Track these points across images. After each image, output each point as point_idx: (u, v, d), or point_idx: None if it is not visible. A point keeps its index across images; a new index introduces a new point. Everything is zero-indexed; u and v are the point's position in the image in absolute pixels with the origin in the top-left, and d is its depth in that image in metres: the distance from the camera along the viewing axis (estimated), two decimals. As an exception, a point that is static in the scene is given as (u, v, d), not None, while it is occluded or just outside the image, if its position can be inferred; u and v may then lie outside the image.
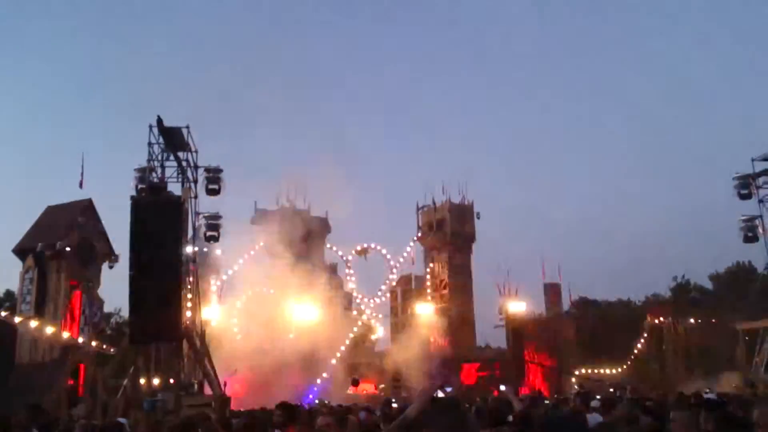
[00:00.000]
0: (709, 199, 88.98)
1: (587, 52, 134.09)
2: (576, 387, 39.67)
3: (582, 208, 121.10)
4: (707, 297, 52.51)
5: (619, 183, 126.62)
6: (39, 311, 33.00)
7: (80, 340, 32.93)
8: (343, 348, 39.71)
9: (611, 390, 30.29)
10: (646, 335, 45.27)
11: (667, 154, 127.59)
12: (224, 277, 39.22)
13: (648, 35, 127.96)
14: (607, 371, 43.57)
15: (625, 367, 43.77)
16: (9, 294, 44.03)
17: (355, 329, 41.93)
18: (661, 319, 45.40)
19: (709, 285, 55.78)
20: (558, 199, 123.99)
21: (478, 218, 47.06)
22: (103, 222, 34.94)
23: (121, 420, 9.03)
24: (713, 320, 42.91)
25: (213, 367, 25.51)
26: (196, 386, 25.69)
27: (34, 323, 32.89)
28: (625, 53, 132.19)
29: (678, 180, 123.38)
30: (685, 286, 56.11)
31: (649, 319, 46.20)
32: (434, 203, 47.30)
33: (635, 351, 44.66)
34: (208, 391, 24.94)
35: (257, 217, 41.72)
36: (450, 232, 46.22)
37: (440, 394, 3.17)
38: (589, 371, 43.28)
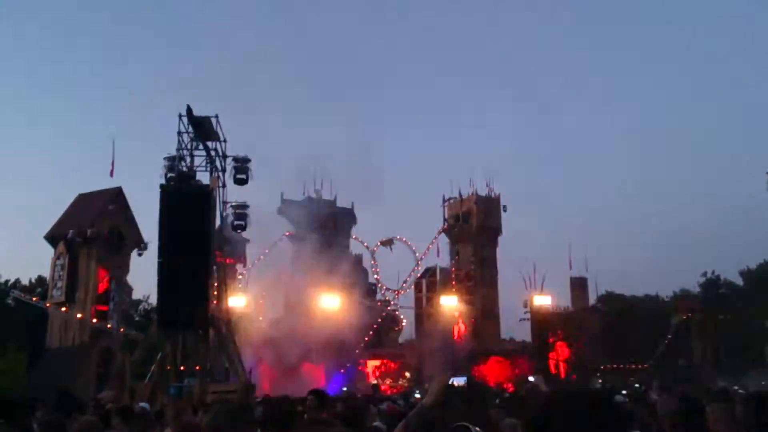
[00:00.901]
0: (741, 195, 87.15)
1: (617, 39, 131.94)
2: (600, 381, 39.35)
3: (610, 203, 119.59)
4: (737, 293, 51.52)
5: (650, 177, 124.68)
6: (69, 297, 33.64)
7: (109, 325, 33.51)
8: (367, 338, 39.86)
9: (636, 385, 29.97)
10: (673, 331, 44.64)
11: (699, 148, 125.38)
12: (250, 266, 39.57)
13: (680, 21, 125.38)
14: (633, 367, 43.08)
15: (651, 362, 43.22)
16: (41, 280, 44.90)
17: (380, 320, 42.03)
18: (690, 315, 44.72)
19: (739, 281, 54.71)
20: (586, 193, 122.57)
21: (505, 211, 46.76)
22: (132, 210, 35.49)
23: (143, 405, 9.14)
24: (743, 317, 42.13)
25: (238, 355, 25.76)
26: (222, 373, 25.95)
27: (64, 308, 33.59)
28: (656, 40, 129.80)
29: (710, 175, 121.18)
30: (714, 282, 55.11)
31: (677, 314, 45.53)
32: (460, 195, 47.08)
33: (662, 347, 44.08)
34: (233, 378, 25.18)
35: (283, 207, 41.94)
36: (476, 224, 45.97)
37: (455, 383, 3.12)
38: (614, 366, 42.85)
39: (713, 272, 55.66)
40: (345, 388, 28.13)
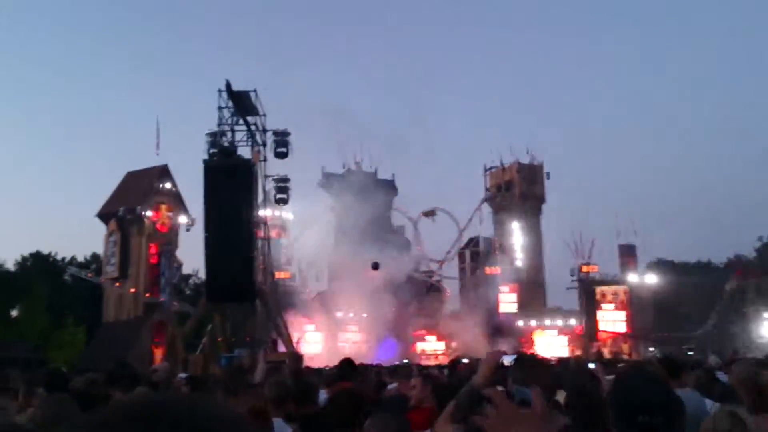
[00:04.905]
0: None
1: (655, 16, 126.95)
2: (651, 350, 38.64)
3: (660, 166, 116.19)
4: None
5: (699, 139, 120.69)
6: (123, 272, 34.70)
7: (161, 299, 34.48)
8: (411, 310, 39.97)
9: (689, 354, 29.35)
10: (728, 297, 43.38)
11: (749, 109, 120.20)
12: (294, 239, 39.90)
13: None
14: (686, 335, 42.15)
15: (704, 330, 42.19)
16: (95, 256, 46.33)
17: (424, 291, 42.04)
18: (745, 280, 43.33)
19: (797, 245, 52.64)
20: (634, 156, 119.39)
21: (548, 178, 45.86)
22: (178, 186, 36.16)
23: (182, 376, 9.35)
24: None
25: (285, 325, 26.17)
26: (270, 343, 26.43)
27: (117, 284, 34.69)
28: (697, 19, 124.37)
29: (764, 137, 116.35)
30: (771, 247, 53.15)
31: (731, 281, 44.18)
32: (502, 164, 46.37)
33: (716, 314, 42.92)
34: (281, 348, 25.63)
35: (324, 180, 42.04)
36: (519, 192, 45.28)
37: (506, 362, 3.04)
38: (667, 335, 41.98)
39: (769, 236, 53.72)
40: (405, 361, 28.11)
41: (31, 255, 48.48)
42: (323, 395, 5.54)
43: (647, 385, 2.51)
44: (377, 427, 3.22)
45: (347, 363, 6.60)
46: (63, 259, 49.08)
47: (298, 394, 4.69)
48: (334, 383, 6.10)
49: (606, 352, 39.28)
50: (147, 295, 34.41)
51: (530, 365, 3.56)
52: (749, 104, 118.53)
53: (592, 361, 13.31)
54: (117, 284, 35.06)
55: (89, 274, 38.69)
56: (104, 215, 36.31)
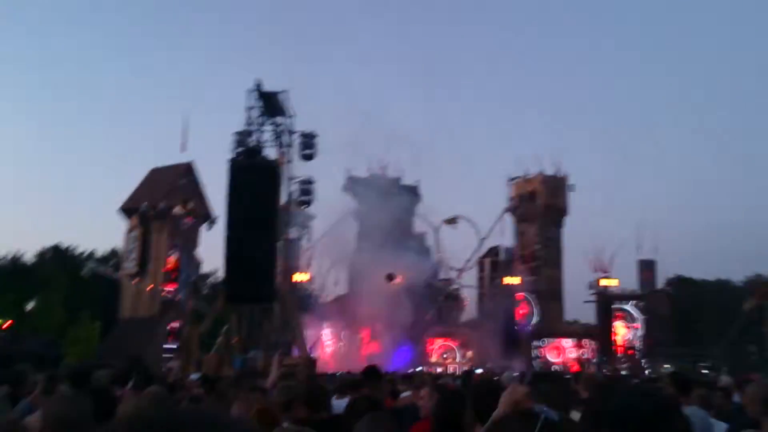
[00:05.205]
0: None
1: (691, 24, 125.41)
2: (666, 366, 38.20)
3: (681, 182, 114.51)
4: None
5: (720, 155, 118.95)
6: (141, 269, 34.75)
7: (178, 297, 34.59)
8: (429, 317, 39.84)
9: (703, 372, 29.00)
10: (745, 317, 42.77)
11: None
12: (315, 243, 39.96)
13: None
14: (701, 353, 41.63)
15: (720, 348, 41.64)
16: (114, 252, 46.51)
17: (442, 298, 41.89)
18: (763, 299, 42.67)
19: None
20: (656, 172, 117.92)
21: (572, 191, 45.55)
22: (203, 184, 36.31)
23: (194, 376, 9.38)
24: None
25: (301, 329, 26.18)
26: (286, 347, 26.44)
27: (136, 280, 34.84)
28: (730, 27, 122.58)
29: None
30: (794, 267, 52.17)
31: (750, 300, 43.56)
32: (525, 174, 46.18)
33: (733, 332, 42.33)
34: (296, 351, 25.64)
35: (349, 184, 42.08)
36: (542, 204, 45.05)
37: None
38: (682, 352, 41.46)
39: (791, 257, 52.78)
40: (421, 368, 28.01)
41: (51, 248, 48.87)
42: (335, 401, 5.56)
43: (641, 399, 2.48)
44: (368, 428, 3.21)
45: (373, 370, 6.61)
46: (82, 253, 49.46)
47: (310, 400, 4.70)
48: (351, 389, 6.12)
49: (621, 367, 38.87)
50: (163, 293, 34.42)
51: (547, 383, 3.54)
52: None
53: (606, 375, 13.19)
54: (135, 280, 35.16)
55: (107, 270, 38.94)
56: (127, 210, 36.47)
